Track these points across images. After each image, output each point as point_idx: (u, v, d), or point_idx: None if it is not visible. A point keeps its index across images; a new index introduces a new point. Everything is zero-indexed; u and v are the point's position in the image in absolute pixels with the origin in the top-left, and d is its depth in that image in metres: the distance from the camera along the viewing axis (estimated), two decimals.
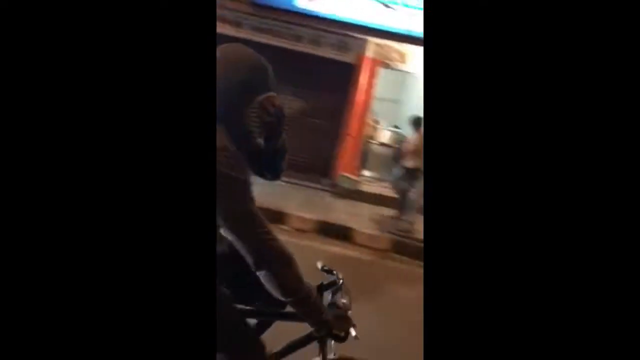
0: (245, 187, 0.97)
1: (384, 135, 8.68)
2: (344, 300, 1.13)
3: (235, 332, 1.07)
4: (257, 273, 0.97)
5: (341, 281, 1.19)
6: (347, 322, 1.05)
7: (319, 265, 1.31)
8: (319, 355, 1.14)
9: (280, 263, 0.97)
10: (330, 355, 1.14)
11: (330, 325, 1.02)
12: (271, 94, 1.06)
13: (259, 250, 0.96)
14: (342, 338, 1.04)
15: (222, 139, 0.96)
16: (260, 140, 1.06)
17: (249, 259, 0.96)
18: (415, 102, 8.00)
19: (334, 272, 1.24)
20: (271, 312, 1.24)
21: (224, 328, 0.95)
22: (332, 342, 1.07)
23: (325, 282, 1.20)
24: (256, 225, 0.96)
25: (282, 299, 1.00)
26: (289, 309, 1.09)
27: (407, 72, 8.00)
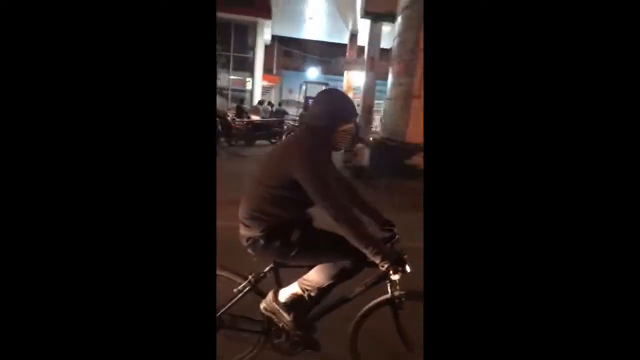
0: (327, 173, 1.52)
1: None
2: (399, 248, 1.69)
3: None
4: (339, 224, 1.45)
5: (397, 236, 1.74)
6: (404, 261, 1.51)
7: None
8: (389, 291, 1.63)
9: (352, 220, 1.46)
10: (396, 292, 1.62)
11: (398, 259, 1.49)
12: (355, 121, 1.63)
13: (337, 212, 1.46)
14: (402, 271, 1.50)
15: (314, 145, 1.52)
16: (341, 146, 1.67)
17: (332, 216, 1.45)
18: None
19: (394, 228, 1.76)
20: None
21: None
22: (397, 279, 1.53)
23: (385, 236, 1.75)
24: (335, 195, 1.47)
25: (360, 244, 1.45)
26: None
27: None
